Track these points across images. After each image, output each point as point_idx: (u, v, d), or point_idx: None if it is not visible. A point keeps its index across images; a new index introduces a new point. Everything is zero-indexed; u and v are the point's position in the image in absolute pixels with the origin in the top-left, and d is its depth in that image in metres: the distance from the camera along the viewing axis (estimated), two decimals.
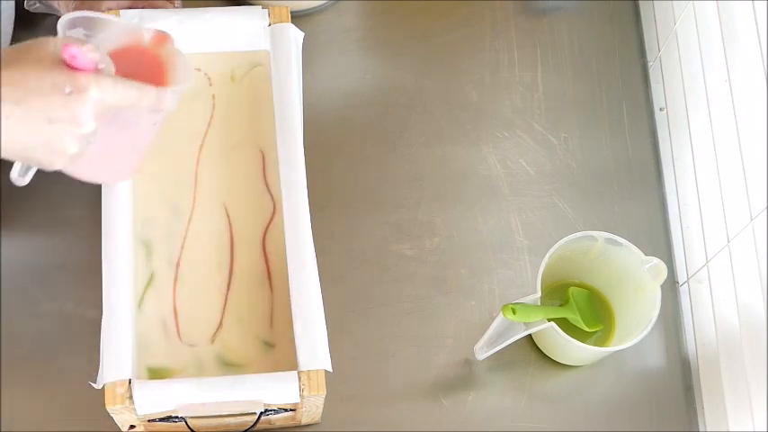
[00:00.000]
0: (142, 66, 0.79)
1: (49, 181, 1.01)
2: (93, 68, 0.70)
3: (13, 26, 1.00)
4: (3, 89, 0.66)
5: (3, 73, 0.67)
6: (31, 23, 1.06)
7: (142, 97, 0.73)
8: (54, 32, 1.06)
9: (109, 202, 0.88)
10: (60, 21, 0.77)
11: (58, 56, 0.69)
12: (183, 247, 0.92)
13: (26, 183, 0.75)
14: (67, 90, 0.68)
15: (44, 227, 1.00)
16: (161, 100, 0.74)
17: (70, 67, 0.69)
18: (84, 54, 0.69)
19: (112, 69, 0.73)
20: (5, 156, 0.70)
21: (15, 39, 1.00)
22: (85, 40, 0.76)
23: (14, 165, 0.75)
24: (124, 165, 0.83)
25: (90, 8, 1.03)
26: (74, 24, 0.78)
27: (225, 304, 0.90)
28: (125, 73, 0.73)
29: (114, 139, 0.77)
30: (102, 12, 0.99)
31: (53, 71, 0.68)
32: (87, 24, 0.78)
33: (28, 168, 0.75)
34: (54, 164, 0.71)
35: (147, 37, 0.80)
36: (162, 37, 0.80)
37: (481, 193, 1.04)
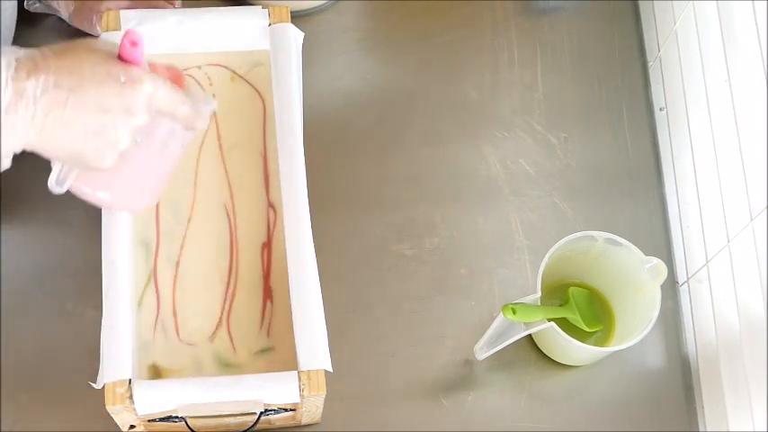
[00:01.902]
0: None
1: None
2: (143, 66, 0.71)
3: (15, 25, 1.00)
4: (58, 76, 0.66)
5: (57, 61, 0.66)
6: (31, 23, 1.06)
7: (185, 103, 0.73)
8: (54, 32, 1.07)
9: None
10: None
11: (110, 51, 0.69)
12: (182, 247, 0.92)
13: (63, 191, 0.74)
14: (122, 79, 0.68)
15: (44, 227, 1.00)
16: (198, 111, 0.74)
17: (124, 60, 0.69)
18: (141, 45, 0.69)
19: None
20: (55, 154, 0.70)
21: (17, 38, 1.00)
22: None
23: (53, 170, 0.73)
24: (151, 188, 0.81)
25: (90, 9, 1.03)
26: None
27: (225, 304, 0.90)
28: None
29: (147, 158, 0.76)
30: (102, 12, 0.99)
31: (108, 61, 0.68)
32: None
33: (67, 174, 0.74)
34: (104, 158, 0.70)
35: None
36: (176, 73, 0.78)
37: (481, 193, 1.04)
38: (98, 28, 1.01)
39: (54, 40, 1.07)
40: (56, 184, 0.74)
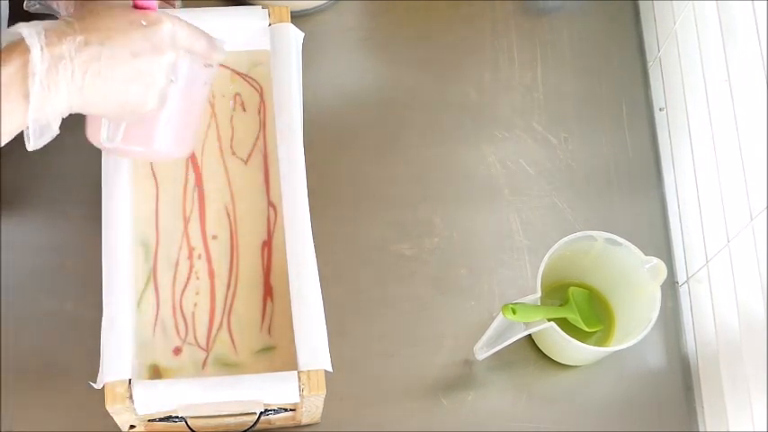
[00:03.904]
0: None
1: (49, 180, 1.01)
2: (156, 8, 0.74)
3: (6, 25, 1.00)
4: (86, 34, 0.69)
5: (80, 23, 0.70)
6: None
7: (202, 37, 0.76)
8: None
9: (109, 202, 0.88)
10: None
11: (125, 2, 0.73)
12: (182, 247, 0.92)
13: (116, 145, 0.77)
14: (144, 23, 0.72)
15: (44, 227, 1.00)
16: (212, 43, 0.77)
17: (139, 8, 0.73)
18: None
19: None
20: (101, 108, 0.72)
21: None
22: None
23: (102, 127, 0.76)
24: (189, 131, 0.83)
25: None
26: None
27: (225, 303, 0.90)
28: None
29: (179, 100, 0.78)
30: None
31: (125, 11, 0.72)
32: None
33: (116, 129, 0.76)
34: (147, 101, 0.73)
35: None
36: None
37: (481, 193, 1.04)
38: None
39: None
40: (107, 140, 0.76)
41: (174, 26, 0.74)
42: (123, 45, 0.71)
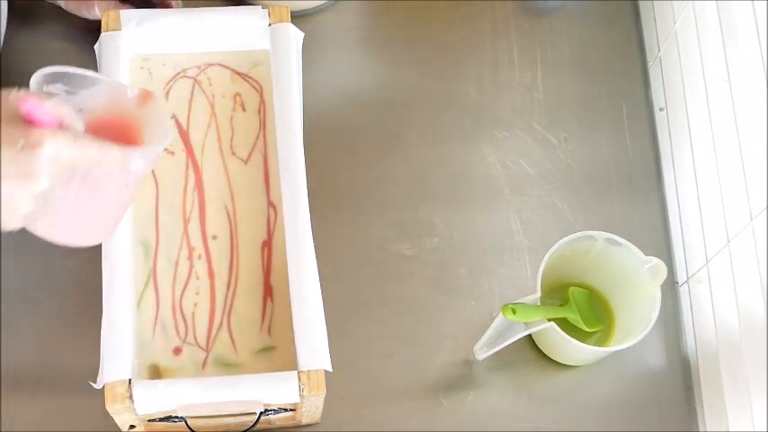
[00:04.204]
0: (119, 124, 0.76)
1: None
2: (55, 124, 0.67)
3: (6, 22, 1.00)
4: None
5: None
6: (25, 9, 1.05)
7: (104, 156, 0.69)
8: (50, 17, 1.06)
9: None
10: (35, 75, 0.72)
11: (15, 111, 0.66)
12: (182, 247, 0.92)
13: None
14: (20, 144, 0.65)
15: None
16: (127, 161, 0.71)
17: (29, 121, 0.66)
18: (41, 108, 0.66)
19: (80, 126, 0.70)
20: None
21: (11, 23, 0.99)
22: (57, 95, 0.73)
23: None
24: (97, 226, 0.79)
25: (87, 8, 1.02)
26: (54, 79, 0.73)
27: (225, 304, 0.90)
28: (98, 132, 0.71)
29: (84, 200, 0.73)
30: (98, 10, 0.99)
31: (9, 124, 0.65)
32: (69, 80, 0.74)
33: None
34: (7, 223, 0.67)
35: (130, 95, 0.77)
36: (145, 95, 0.77)
37: (481, 193, 1.04)
38: (96, 11, 1.00)
39: (49, 25, 1.08)
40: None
41: (60, 149, 0.66)
42: None
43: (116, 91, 0.77)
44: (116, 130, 0.74)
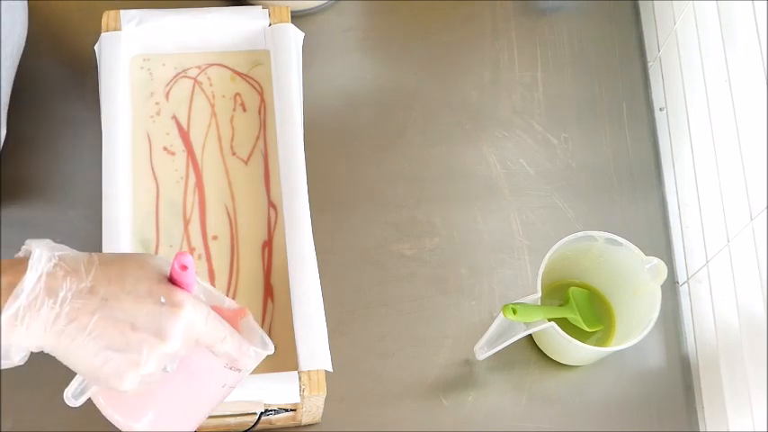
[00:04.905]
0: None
1: (49, 180, 1.01)
2: (192, 293, 0.67)
3: (24, 45, 0.99)
4: (96, 283, 0.63)
5: (101, 269, 0.63)
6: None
7: (228, 339, 0.68)
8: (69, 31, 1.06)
9: (109, 202, 0.88)
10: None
11: (160, 270, 0.66)
12: (182, 247, 0.92)
13: (78, 405, 0.69)
14: (162, 300, 0.64)
15: (44, 227, 1.00)
16: (242, 351, 0.70)
17: (172, 281, 0.66)
18: (193, 268, 0.66)
19: (207, 306, 0.68)
20: (71, 363, 0.65)
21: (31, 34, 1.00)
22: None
23: (73, 381, 0.70)
24: (178, 422, 0.73)
25: None
26: None
27: None
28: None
29: (175, 390, 0.70)
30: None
31: (154, 279, 0.65)
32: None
33: (84, 389, 0.69)
34: (124, 380, 0.65)
35: (226, 304, 0.74)
36: (241, 311, 0.74)
37: (481, 193, 1.04)
38: None
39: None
40: (71, 396, 0.69)
41: (196, 317, 0.65)
42: (127, 312, 0.63)
43: (212, 294, 0.74)
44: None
